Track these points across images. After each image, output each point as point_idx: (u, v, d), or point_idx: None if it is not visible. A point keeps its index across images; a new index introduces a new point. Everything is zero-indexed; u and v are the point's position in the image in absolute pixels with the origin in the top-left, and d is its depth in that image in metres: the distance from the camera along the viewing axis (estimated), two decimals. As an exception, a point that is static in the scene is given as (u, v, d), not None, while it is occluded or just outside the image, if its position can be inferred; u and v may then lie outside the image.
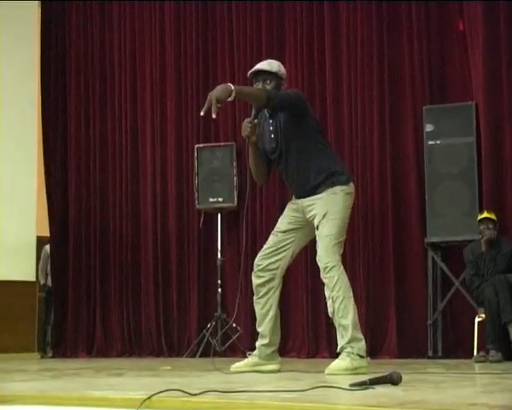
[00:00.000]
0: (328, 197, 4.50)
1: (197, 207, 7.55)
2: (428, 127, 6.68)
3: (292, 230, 4.65)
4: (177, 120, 7.90)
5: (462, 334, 6.54)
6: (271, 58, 7.39)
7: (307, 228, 4.64)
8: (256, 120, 4.52)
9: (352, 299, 4.47)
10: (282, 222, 4.69)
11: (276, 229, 4.69)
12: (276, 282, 4.64)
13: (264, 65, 4.64)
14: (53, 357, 7.96)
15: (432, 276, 6.68)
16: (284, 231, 4.65)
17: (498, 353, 5.76)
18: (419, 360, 6.32)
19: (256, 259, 4.70)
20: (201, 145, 7.62)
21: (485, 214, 6.18)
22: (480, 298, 6.07)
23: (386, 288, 6.87)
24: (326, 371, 4.31)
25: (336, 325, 4.47)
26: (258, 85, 4.56)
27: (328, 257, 4.44)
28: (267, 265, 4.63)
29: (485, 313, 5.98)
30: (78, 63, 8.37)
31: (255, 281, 4.66)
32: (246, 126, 4.51)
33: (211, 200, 7.45)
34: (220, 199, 7.42)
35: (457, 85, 6.91)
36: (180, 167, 7.84)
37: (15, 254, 7.96)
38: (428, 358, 6.47)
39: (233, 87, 4.24)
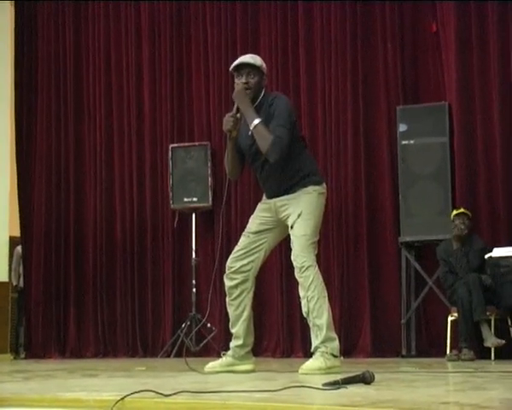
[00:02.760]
0: (302, 197, 4.51)
1: (172, 206, 7.53)
2: (402, 127, 6.72)
3: (263, 230, 4.64)
4: (152, 120, 7.88)
5: (435, 333, 6.59)
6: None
7: (279, 228, 4.64)
8: (238, 115, 4.51)
9: (327, 299, 4.48)
10: (253, 223, 4.67)
11: (247, 230, 4.68)
12: (249, 283, 4.63)
13: (247, 58, 4.61)
14: (26, 358, 7.90)
15: (405, 275, 6.72)
16: (256, 232, 4.63)
17: (471, 351, 5.82)
18: (393, 359, 6.36)
19: (228, 261, 4.68)
20: (176, 145, 7.60)
21: (462, 209, 6.23)
22: (453, 297, 6.11)
23: (360, 287, 6.90)
24: (300, 371, 4.32)
25: (311, 325, 4.47)
26: (241, 79, 4.51)
27: (303, 257, 4.45)
28: (240, 267, 4.61)
29: (457, 312, 6.03)
30: (50, 63, 8.30)
31: (228, 283, 4.65)
32: (228, 121, 4.49)
33: (185, 200, 7.44)
34: (195, 199, 7.41)
35: (430, 86, 6.96)
36: (155, 167, 7.82)
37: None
38: (402, 357, 6.51)
39: (257, 122, 4.37)
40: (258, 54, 7.39)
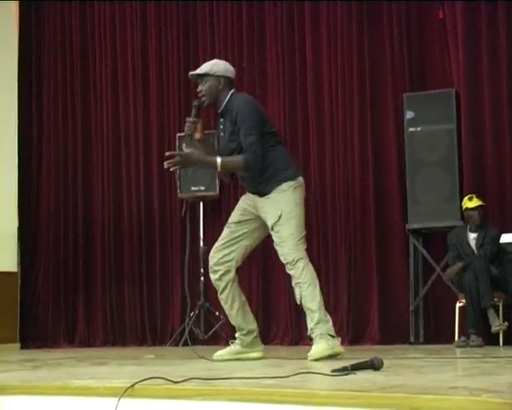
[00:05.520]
0: (278, 197, 4.53)
1: (179, 196, 7.54)
2: (409, 114, 6.70)
3: (244, 221, 4.67)
4: (160, 109, 7.88)
5: (443, 320, 6.59)
6: (252, 47, 7.50)
7: (260, 222, 4.66)
8: (194, 119, 4.60)
9: (318, 286, 4.52)
10: (235, 214, 4.73)
11: (229, 221, 4.74)
12: (232, 274, 4.67)
13: (197, 70, 4.72)
14: (34, 348, 7.93)
15: (413, 262, 6.72)
16: (237, 222, 4.68)
17: (479, 337, 5.82)
18: (401, 345, 6.36)
19: (210, 253, 4.73)
20: (183, 134, 7.58)
21: (478, 201, 6.20)
22: (460, 283, 6.11)
23: (368, 275, 6.90)
24: (309, 359, 4.35)
25: (305, 310, 4.53)
26: (199, 87, 4.64)
27: (292, 254, 4.49)
28: (222, 257, 4.65)
29: (465, 299, 6.03)
30: (56, 55, 8.32)
31: (212, 277, 4.70)
32: (186, 125, 4.61)
33: (193, 188, 7.44)
34: (202, 188, 7.42)
35: (437, 72, 6.93)
36: (162, 156, 7.77)
37: (-3, 244, 7.93)
38: (410, 344, 6.52)
39: (219, 163, 4.47)
40: (264, 42, 7.51)
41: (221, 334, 7.05)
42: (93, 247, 8.01)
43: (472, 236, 6.26)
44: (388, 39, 7.01)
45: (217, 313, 7.04)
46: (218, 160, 4.49)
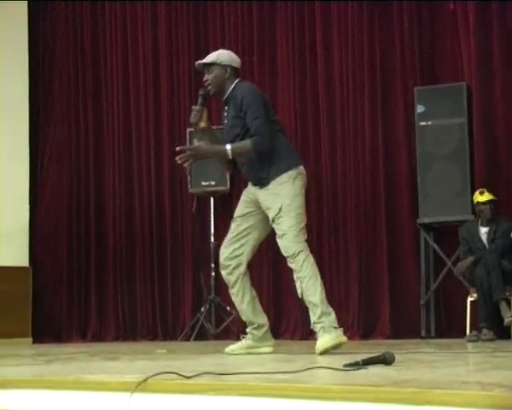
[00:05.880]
0: (277, 189, 4.52)
1: (190, 190, 7.55)
2: (420, 108, 6.68)
3: (249, 213, 4.67)
4: (170, 104, 7.90)
5: (454, 314, 6.58)
6: (263, 41, 7.49)
7: (264, 213, 4.65)
8: (200, 107, 4.62)
9: (319, 278, 4.52)
10: (239, 208, 4.74)
11: (234, 215, 4.75)
12: (243, 268, 4.68)
13: (203, 59, 4.74)
14: (47, 342, 7.97)
15: (424, 256, 6.70)
16: (242, 216, 4.69)
17: (490, 331, 5.81)
18: (412, 340, 6.35)
19: (221, 249, 4.74)
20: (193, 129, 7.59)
21: (489, 196, 6.18)
22: (472, 277, 6.09)
23: (380, 269, 6.90)
24: (317, 352, 4.37)
25: (307, 304, 4.55)
26: (206, 76, 4.67)
27: (293, 247, 4.49)
28: (231, 252, 4.67)
29: (477, 293, 6.02)
30: (68, 53, 8.34)
31: (223, 272, 4.72)
32: (192, 114, 4.64)
33: (203, 183, 7.45)
34: (213, 182, 7.42)
35: (449, 66, 6.91)
36: (173, 151, 7.82)
37: (9, 240, 7.96)
38: (421, 338, 6.51)
39: (229, 150, 4.48)
40: (275, 36, 7.50)
41: (232, 328, 7.06)
42: (105, 242, 8.04)
43: (483, 230, 6.24)
44: (399, 32, 6.99)
45: (228, 308, 7.05)
46: (228, 147, 4.50)
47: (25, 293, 7.99)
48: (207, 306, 7.26)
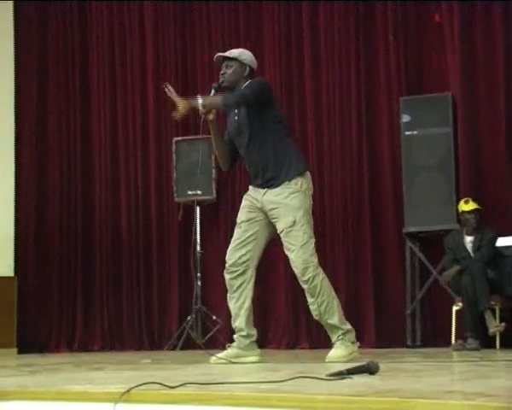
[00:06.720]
0: (288, 199, 4.52)
1: (176, 199, 7.55)
2: (405, 118, 6.71)
3: (253, 218, 4.66)
4: (157, 114, 7.89)
5: (440, 323, 6.60)
6: (250, 49, 7.49)
7: (268, 220, 4.65)
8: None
9: (335, 297, 4.59)
10: (242, 213, 4.72)
11: (238, 221, 4.73)
12: (249, 274, 4.67)
13: (226, 53, 4.80)
14: (34, 352, 7.93)
15: (410, 266, 6.72)
16: (247, 221, 4.68)
17: (476, 341, 5.82)
18: (398, 349, 6.37)
19: (226, 255, 4.72)
20: (180, 138, 7.61)
21: (474, 205, 6.21)
22: (457, 287, 6.12)
23: (365, 278, 6.91)
24: (326, 360, 4.47)
25: (324, 324, 4.63)
26: (223, 69, 4.73)
27: (307, 268, 4.50)
28: (239, 258, 4.66)
29: (462, 302, 6.04)
30: (57, 59, 8.32)
31: (227, 276, 4.70)
32: None
33: (189, 192, 7.45)
34: (199, 192, 7.42)
35: (434, 76, 6.95)
36: (159, 161, 7.85)
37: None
38: (407, 347, 6.52)
39: (200, 101, 4.53)
40: (262, 45, 7.52)
41: (218, 338, 7.05)
42: (91, 251, 8.01)
43: (468, 239, 6.27)
44: (384, 43, 7.02)
45: (214, 317, 7.04)
46: (199, 100, 4.54)
47: (10, 303, 7.93)
48: (193, 315, 7.25)
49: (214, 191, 7.37)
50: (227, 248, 7.20)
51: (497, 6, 6.65)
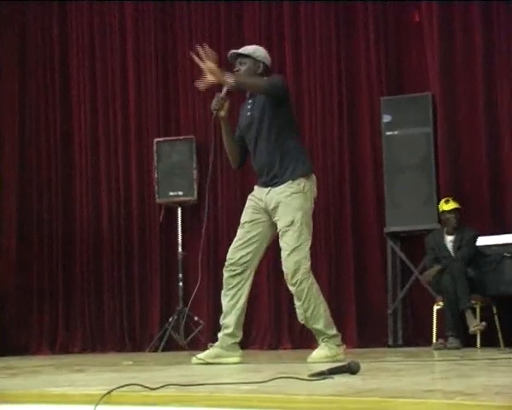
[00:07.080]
0: (290, 199, 4.51)
1: (157, 201, 7.53)
2: (386, 118, 6.74)
3: (258, 220, 4.64)
4: (138, 115, 7.87)
5: (421, 322, 6.63)
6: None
7: (271, 220, 4.64)
8: (224, 96, 4.57)
9: (323, 301, 4.58)
10: (246, 213, 4.69)
11: (241, 221, 4.70)
12: (248, 273, 4.65)
13: (240, 50, 4.76)
14: (15, 355, 7.87)
15: (391, 265, 6.75)
16: (250, 222, 4.65)
17: (457, 339, 5.85)
18: (379, 348, 6.39)
19: (228, 253, 4.69)
20: (161, 139, 7.59)
21: (454, 205, 6.25)
22: (438, 286, 6.15)
23: (346, 277, 6.93)
24: (308, 360, 4.45)
25: (309, 328, 4.64)
26: (237, 66, 4.68)
27: (297, 271, 4.47)
28: (239, 258, 4.63)
29: (443, 301, 6.07)
30: (37, 60, 8.27)
31: (226, 274, 4.66)
32: (215, 100, 4.58)
33: (171, 194, 7.43)
34: (180, 193, 7.41)
35: (414, 76, 6.99)
36: (141, 162, 7.83)
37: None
38: (389, 347, 6.55)
39: (233, 79, 4.45)
40: (243, 45, 7.40)
41: (201, 339, 7.04)
42: (72, 253, 7.97)
43: (449, 238, 6.30)
44: (365, 43, 7.05)
45: (196, 318, 7.03)
46: (231, 77, 4.46)
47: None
48: (175, 316, 7.23)
49: (196, 192, 7.36)
50: (209, 249, 7.24)
51: (476, 6, 6.69)
